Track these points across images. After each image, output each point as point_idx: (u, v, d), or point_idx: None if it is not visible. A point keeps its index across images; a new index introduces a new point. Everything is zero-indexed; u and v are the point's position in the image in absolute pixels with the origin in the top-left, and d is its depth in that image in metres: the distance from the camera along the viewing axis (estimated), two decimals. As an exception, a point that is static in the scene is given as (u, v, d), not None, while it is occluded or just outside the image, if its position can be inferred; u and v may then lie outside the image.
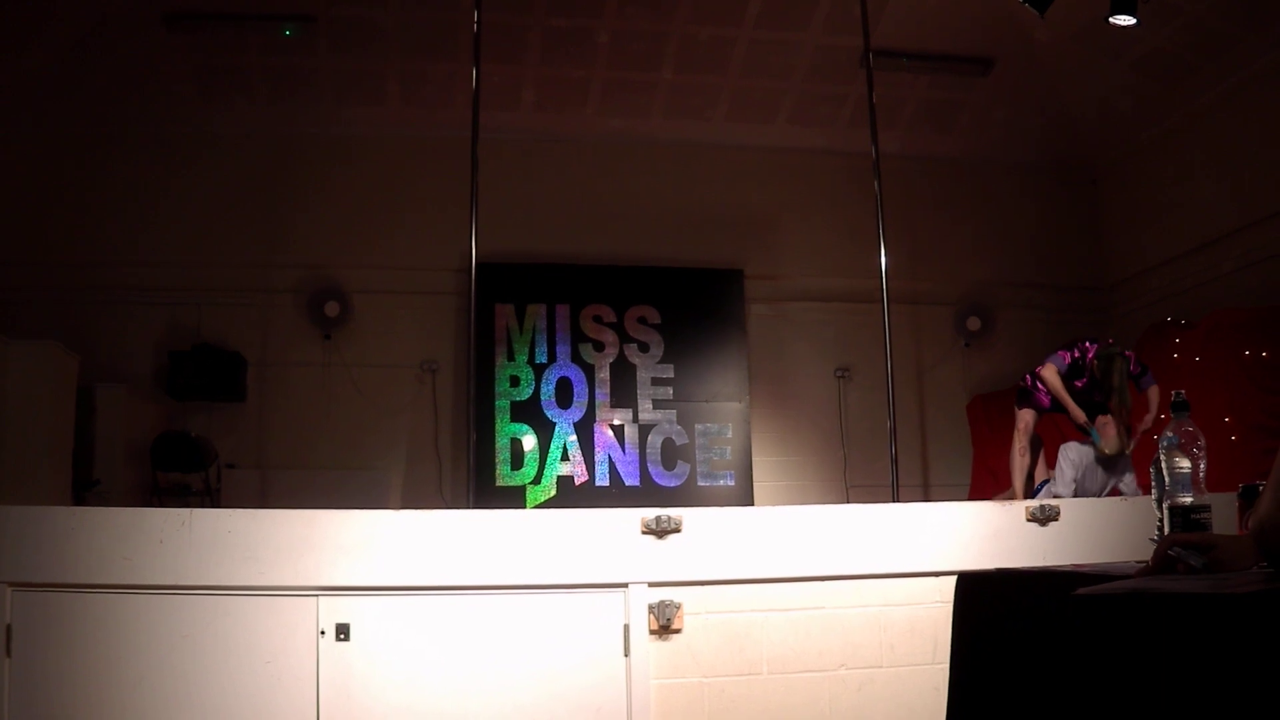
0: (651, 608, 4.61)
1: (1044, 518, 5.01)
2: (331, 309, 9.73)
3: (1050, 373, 7.43)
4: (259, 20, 9.08)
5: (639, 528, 4.68)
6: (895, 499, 6.40)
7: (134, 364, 9.32)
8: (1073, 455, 7.36)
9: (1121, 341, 7.92)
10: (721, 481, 9.96)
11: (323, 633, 4.37)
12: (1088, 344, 7.49)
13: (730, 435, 10.08)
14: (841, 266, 9.90)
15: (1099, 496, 6.97)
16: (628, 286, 10.18)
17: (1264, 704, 1.65)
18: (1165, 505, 2.51)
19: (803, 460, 10.33)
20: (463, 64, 8.46)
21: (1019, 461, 7.70)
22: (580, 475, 9.77)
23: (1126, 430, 7.28)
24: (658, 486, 9.81)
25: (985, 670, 2.55)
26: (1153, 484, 2.58)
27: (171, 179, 9.63)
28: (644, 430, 9.96)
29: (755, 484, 10.02)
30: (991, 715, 2.50)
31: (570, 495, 9.61)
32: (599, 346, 10.02)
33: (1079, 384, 7.41)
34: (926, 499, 9.53)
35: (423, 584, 4.51)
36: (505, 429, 9.74)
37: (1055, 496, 6.94)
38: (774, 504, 9.42)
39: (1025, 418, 7.72)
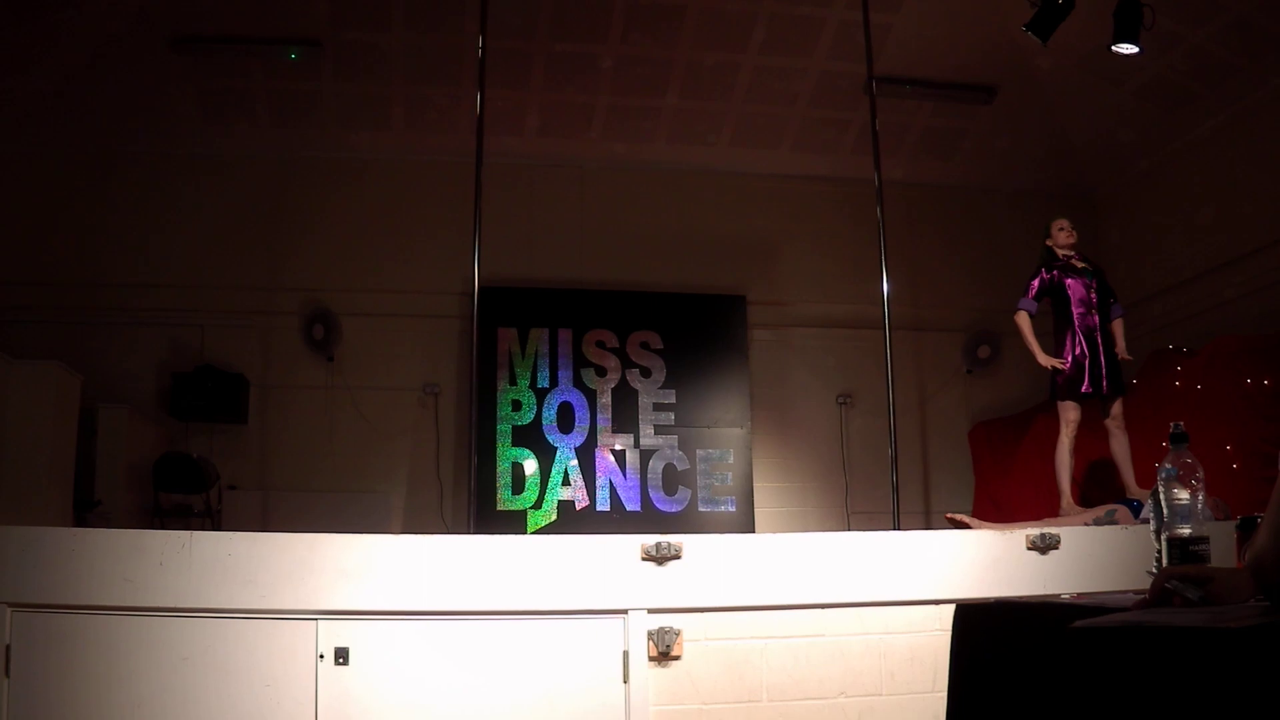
0: (651, 634, 4.60)
1: (1044, 546, 5.00)
2: (317, 332, 9.71)
3: (1020, 318, 7.38)
4: (264, 44, 9.12)
5: (639, 554, 4.67)
6: (896, 526, 6.39)
7: (136, 385, 9.32)
8: None
9: (1125, 369, 7.85)
10: (723, 507, 9.95)
11: (321, 656, 4.37)
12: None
13: (731, 461, 10.07)
14: (844, 293, 9.93)
15: None
16: (630, 311, 10.19)
17: (1260, 738, 1.65)
18: (1163, 537, 2.52)
19: (804, 486, 10.30)
20: (467, 89, 8.52)
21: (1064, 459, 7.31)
22: (581, 500, 9.76)
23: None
24: (659, 512, 9.80)
25: (982, 702, 2.54)
26: (1151, 515, 2.59)
27: (176, 201, 9.67)
28: (645, 455, 9.95)
29: (756, 510, 9.99)
30: (989, 746, 2.50)
31: (571, 520, 9.59)
32: (601, 371, 10.02)
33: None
34: (928, 526, 9.50)
35: (422, 609, 4.51)
36: (506, 453, 9.74)
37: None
38: (775, 530, 9.41)
39: (1063, 409, 7.35)
